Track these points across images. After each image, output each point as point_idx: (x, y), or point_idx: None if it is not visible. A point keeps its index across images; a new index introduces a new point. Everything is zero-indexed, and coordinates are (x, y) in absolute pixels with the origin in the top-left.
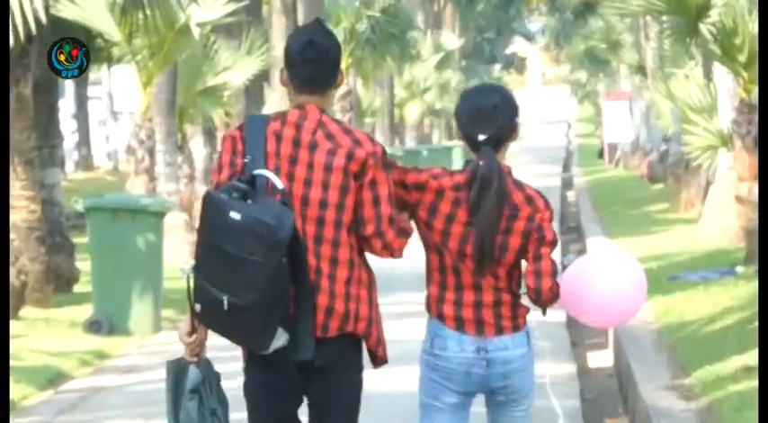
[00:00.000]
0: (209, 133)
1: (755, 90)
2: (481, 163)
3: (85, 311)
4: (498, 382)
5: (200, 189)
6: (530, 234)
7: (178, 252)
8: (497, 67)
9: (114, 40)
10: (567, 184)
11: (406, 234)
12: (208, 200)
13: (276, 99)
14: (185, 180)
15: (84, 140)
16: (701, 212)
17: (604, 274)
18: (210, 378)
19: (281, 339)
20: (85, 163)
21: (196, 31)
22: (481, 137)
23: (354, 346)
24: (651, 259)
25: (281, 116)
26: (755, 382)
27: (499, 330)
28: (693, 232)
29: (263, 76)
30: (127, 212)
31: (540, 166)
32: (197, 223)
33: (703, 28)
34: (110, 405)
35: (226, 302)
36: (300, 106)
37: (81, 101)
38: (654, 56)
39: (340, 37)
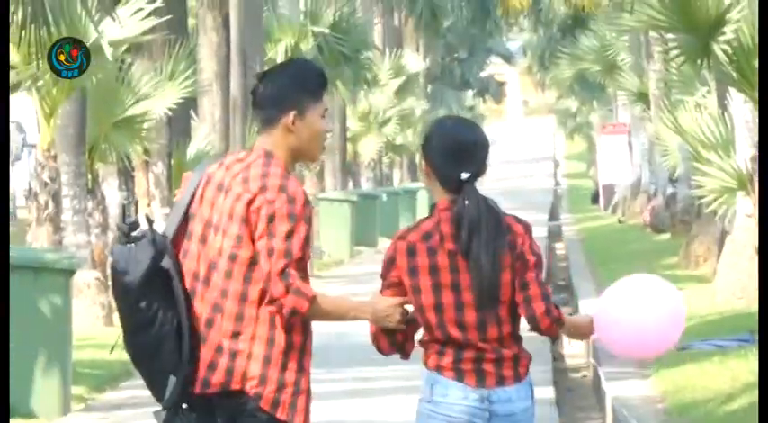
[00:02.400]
0: (126, 173)
1: None
2: (467, 202)
3: None
4: None
5: (115, 241)
6: (515, 261)
7: (89, 316)
8: (470, 93)
9: (11, 63)
10: (554, 235)
11: (302, 295)
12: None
13: (205, 131)
14: (97, 230)
15: None
16: (716, 269)
17: (639, 300)
18: None
19: (171, 385)
20: None
21: (109, 52)
22: (464, 175)
23: (244, 415)
24: None
25: (229, 157)
26: None
27: (500, 381)
28: (706, 292)
29: (189, 105)
30: (27, 270)
31: (523, 212)
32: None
33: (716, 48)
34: None
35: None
36: (253, 148)
37: None
38: (658, 81)
39: (280, 57)
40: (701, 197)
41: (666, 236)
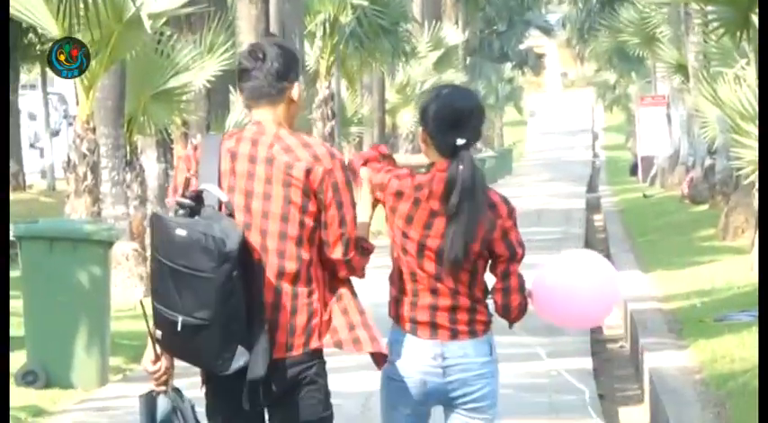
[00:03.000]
0: (164, 146)
1: None
2: (461, 167)
3: (17, 360)
4: (457, 392)
5: None
6: (496, 243)
7: (128, 288)
8: (509, 65)
9: (50, 36)
10: (593, 207)
11: (367, 253)
12: (155, 219)
13: (242, 105)
14: (136, 202)
15: (13, 153)
16: (754, 240)
17: (571, 274)
18: (181, 406)
19: (241, 358)
20: (16, 181)
21: (148, 24)
22: (460, 141)
23: (318, 365)
24: (694, 296)
25: (237, 133)
26: None
27: (454, 335)
28: (744, 263)
29: (228, 78)
30: (66, 241)
31: (561, 184)
32: (149, 253)
33: (756, 19)
34: None
35: (180, 323)
36: (257, 122)
37: (10, 108)
38: (697, 53)
39: (319, 31)
40: (740, 169)
41: (705, 207)
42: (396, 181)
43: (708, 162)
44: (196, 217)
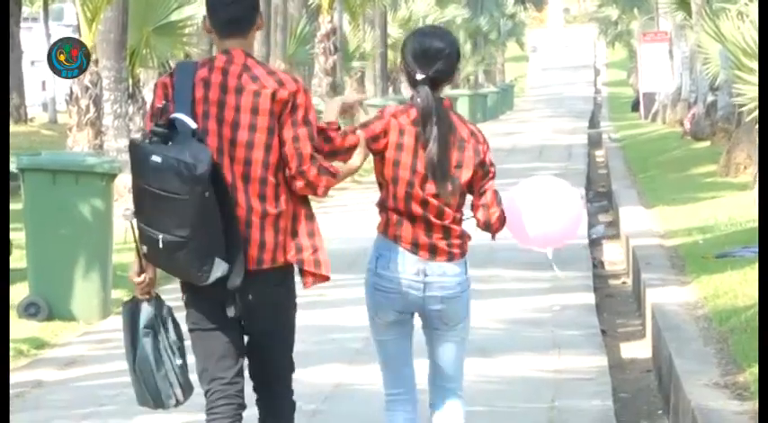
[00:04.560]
0: None
1: None
2: (418, 100)
3: (20, 292)
4: (434, 306)
5: None
6: (477, 167)
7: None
8: (511, 0)
9: None
10: (594, 143)
11: (329, 173)
12: (132, 147)
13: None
14: (138, 135)
15: (15, 87)
16: (756, 176)
17: (536, 196)
18: (162, 313)
19: (219, 269)
20: (17, 114)
21: None
22: (419, 76)
23: (288, 275)
24: (696, 232)
25: (209, 62)
26: None
27: (433, 255)
28: (746, 200)
29: None
30: (69, 174)
31: (563, 120)
32: None
33: None
34: (49, 403)
35: (161, 241)
36: (226, 51)
37: (12, 40)
38: None
39: None
40: (742, 105)
41: (706, 144)
42: (395, 120)
43: (710, 98)
44: (169, 143)
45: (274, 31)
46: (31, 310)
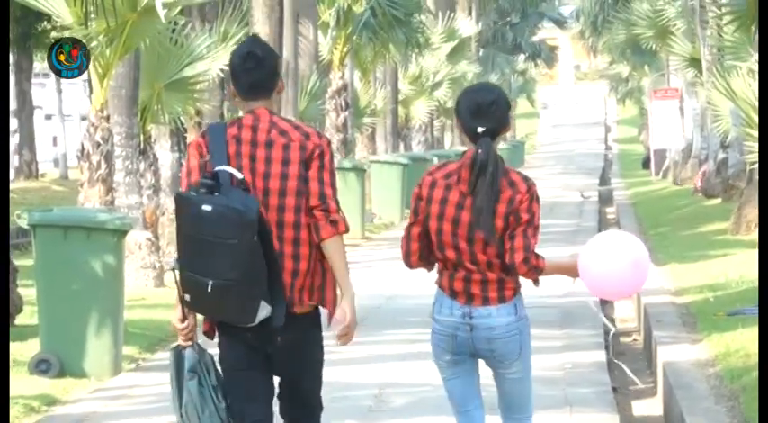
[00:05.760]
0: (178, 135)
1: None
2: (480, 151)
3: (31, 348)
4: (484, 346)
5: (168, 202)
6: (510, 215)
7: (141, 277)
8: (522, 57)
9: (65, 24)
10: (605, 200)
11: (344, 220)
12: (179, 199)
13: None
14: (149, 191)
15: (26, 143)
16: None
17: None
18: (205, 358)
19: (264, 311)
20: (29, 170)
21: (163, 13)
22: (480, 129)
23: (317, 320)
24: (707, 290)
25: (237, 121)
26: None
27: (485, 301)
28: (757, 257)
29: None
30: (80, 230)
31: (574, 176)
32: (162, 242)
33: None
34: None
35: (210, 285)
36: (252, 112)
37: (24, 96)
38: (710, 46)
39: (333, 20)
40: (753, 162)
41: (717, 201)
42: (428, 177)
43: (721, 156)
44: (215, 194)
45: (285, 87)
46: (42, 366)
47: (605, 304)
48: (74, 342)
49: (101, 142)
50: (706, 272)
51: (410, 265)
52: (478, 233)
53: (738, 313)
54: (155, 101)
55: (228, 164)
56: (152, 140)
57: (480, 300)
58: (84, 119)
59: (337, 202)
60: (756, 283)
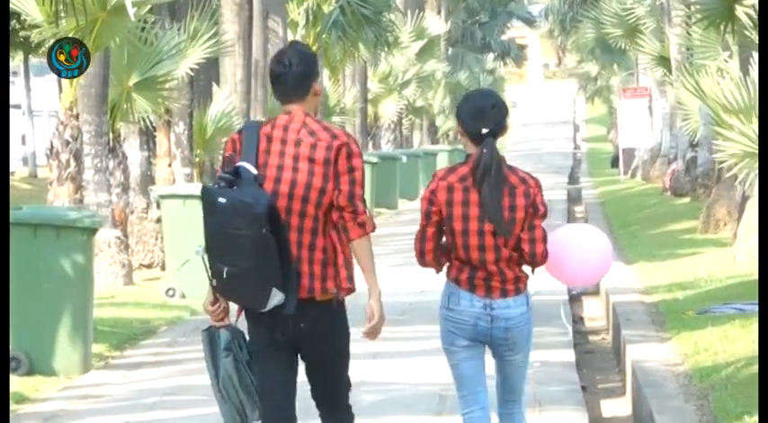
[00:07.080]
0: (147, 134)
1: None
2: (485, 151)
3: None
4: (500, 334)
5: (137, 200)
6: (528, 207)
7: (110, 275)
8: (491, 56)
9: (34, 22)
10: (574, 199)
11: (371, 220)
12: (203, 191)
13: (227, 92)
14: (118, 189)
15: None
16: (736, 233)
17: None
18: (238, 337)
19: (276, 298)
20: None
21: (132, 12)
22: (484, 130)
23: (340, 308)
24: (677, 288)
25: (272, 120)
26: None
27: (504, 294)
28: (726, 256)
29: (211, 67)
30: (50, 228)
31: (543, 176)
32: (131, 240)
33: (740, 11)
34: None
35: (225, 272)
36: (287, 112)
37: None
38: (680, 45)
39: (302, 19)
40: (722, 161)
41: (686, 200)
42: (442, 182)
43: (690, 155)
44: (234, 187)
45: (255, 86)
46: (11, 364)
47: (574, 303)
48: (43, 340)
49: (70, 140)
50: (675, 270)
51: (425, 263)
52: (492, 225)
53: (708, 311)
54: (124, 99)
55: (257, 160)
56: (121, 139)
57: (499, 292)
58: (53, 116)
59: (364, 202)
60: (725, 282)
